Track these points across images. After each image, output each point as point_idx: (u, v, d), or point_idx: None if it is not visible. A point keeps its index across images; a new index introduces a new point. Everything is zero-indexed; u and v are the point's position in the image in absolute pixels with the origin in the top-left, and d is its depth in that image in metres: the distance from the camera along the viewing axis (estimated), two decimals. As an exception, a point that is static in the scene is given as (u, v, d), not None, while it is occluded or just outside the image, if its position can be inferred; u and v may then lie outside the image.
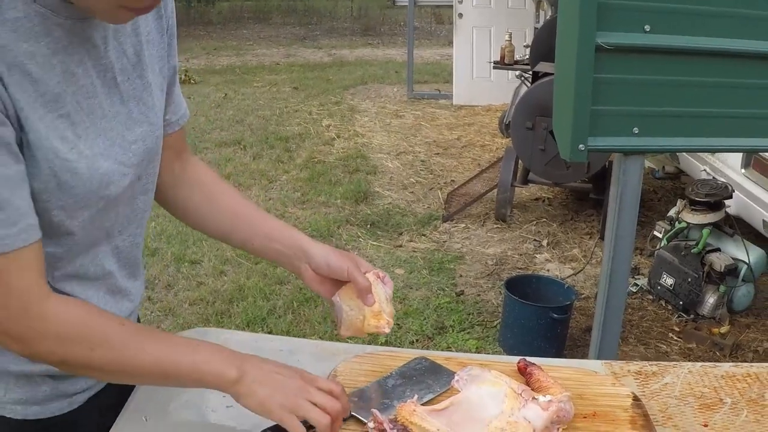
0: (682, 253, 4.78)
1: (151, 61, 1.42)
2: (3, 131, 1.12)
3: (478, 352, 4.31)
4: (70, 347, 1.23)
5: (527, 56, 7.48)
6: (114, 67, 1.32)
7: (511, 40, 7.96)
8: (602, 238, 5.03)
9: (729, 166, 5.24)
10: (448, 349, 4.37)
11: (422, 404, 1.46)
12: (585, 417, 1.53)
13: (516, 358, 1.71)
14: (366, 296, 1.56)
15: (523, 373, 1.65)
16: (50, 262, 1.31)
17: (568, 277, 5.36)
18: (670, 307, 4.93)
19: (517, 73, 7.74)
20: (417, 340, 4.36)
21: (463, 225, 6.32)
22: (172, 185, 1.67)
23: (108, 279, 1.48)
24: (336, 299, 1.60)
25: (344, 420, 1.42)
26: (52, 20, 1.17)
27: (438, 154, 8.47)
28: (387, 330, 1.58)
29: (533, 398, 1.44)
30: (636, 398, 1.62)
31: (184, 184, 1.69)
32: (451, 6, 10.99)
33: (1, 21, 1.12)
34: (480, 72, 10.67)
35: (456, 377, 1.54)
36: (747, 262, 4.65)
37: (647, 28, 2.24)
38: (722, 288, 4.66)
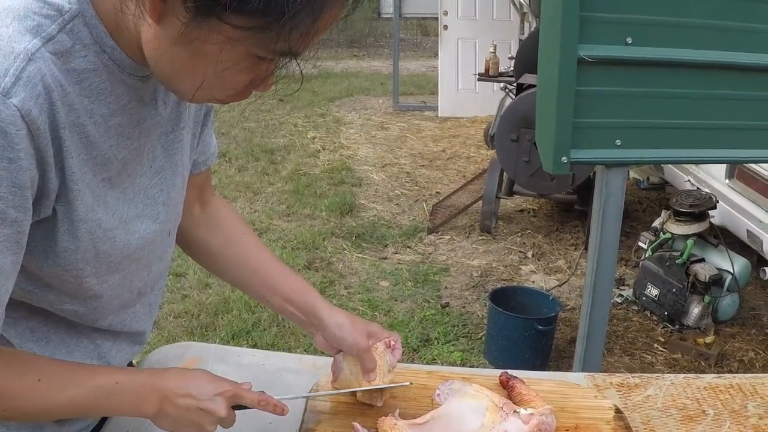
0: (667, 263, 4.79)
1: (189, 107, 1.37)
2: (23, 219, 1.05)
3: (463, 365, 4.31)
4: None
5: (512, 68, 7.49)
6: (163, 123, 1.28)
7: (495, 52, 7.97)
8: (587, 249, 5.04)
9: (713, 177, 5.26)
10: (433, 361, 4.36)
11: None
12: (567, 430, 1.54)
13: (498, 372, 1.71)
14: (368, 374, 1.56)
15: (505, 387, 1.65)
16: (69, 316, 1.29)
17: (553, 288, 5.36)
18: (655, 318, 4.94)
19: (502, 85, 7.75)
20: (402, 353, 4.32)
21: (448, 237, 6.32)
22: (191, 226, 1.61)
23: (134, 334, 1.47)
24: (339, 358, 1.61)
25: None
26: (116, 75, 1.12)
27: (423, 165, 8.47)
28: (379, 404, 1.59)
29: (514, 411, 1.44)
30: (618, 410, 1.62)
31: (202, 226, 1.64)
32: (437, 18, 11.01)
33: (67, 70, 1.05)
34: (465, 84, 10.67)
35: (437, 391, 1.54)
36: (731, 272, 4.66)
37: (629, 40, 2.25)
38: (707, 298, 4.67)
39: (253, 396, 1.37)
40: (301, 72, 1.09)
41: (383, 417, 1.43)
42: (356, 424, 1.41)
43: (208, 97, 1.12)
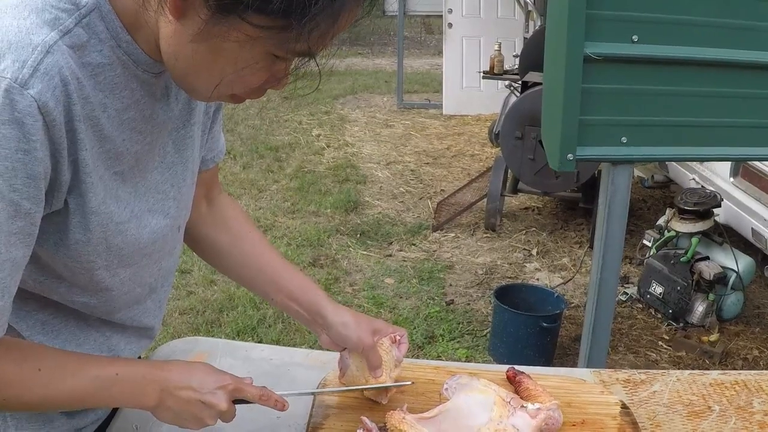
0: (672, 261, 4.79)
1: (200, 103, 1.38)
2: (36, 211, 1.06)
3: (468, 361, 4.31)
4: None
5: (516, 66, 7.49)
6: (174, 119, 1.29)
7: (500, 50, 7.96)
8: (592, 247, 5.04)
9: (718, 175, 5.26)
10: (438, 358, 4.37)
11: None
12: (573, 425, 1.54)
13: (505, 367, 1.72)
14: (374, 371, 1.57)
15: (512, 382, 1.66)
16: (80, 308, 1.30)
17: (558, 286, 5.37)
18: (659, 316, 4.94)
19: (507, 82, 7.75)
20: (408, 348, 4.31)
21: (453, 234, 6.33)
22: (198, 223, 1.62)
23: (144, 329, 1.48)
24: (345, 355, 1.61)
25: None
26: (131, 70, 1.13)
27: (428, 163, 8.47)
28: (384, 401, 1.60)
29: (522, 406, 1.44)
30: (624, 406, 1.63)
31: (209, 223, 1.65)
32: (441, 16, 11.00)
33: (83, 63, 1.06)
34: (470, 82, 10.66)
35: (445, 386, 1.55)
36: (736, 270, 4.66)
37: (635, 38, 2.26)
38: (711, 296, 4.68)
39: (255, 390, 1.37)
40: (320, 71, 1.10)
41: (392, 411, 1.44)
42: (365, 419, 1.42)
43: (225, 95, 1.13)
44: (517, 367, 1.70)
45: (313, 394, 1.61)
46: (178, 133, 1.33)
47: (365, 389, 1.58)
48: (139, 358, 1.67)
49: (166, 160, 1.31)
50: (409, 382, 1.60)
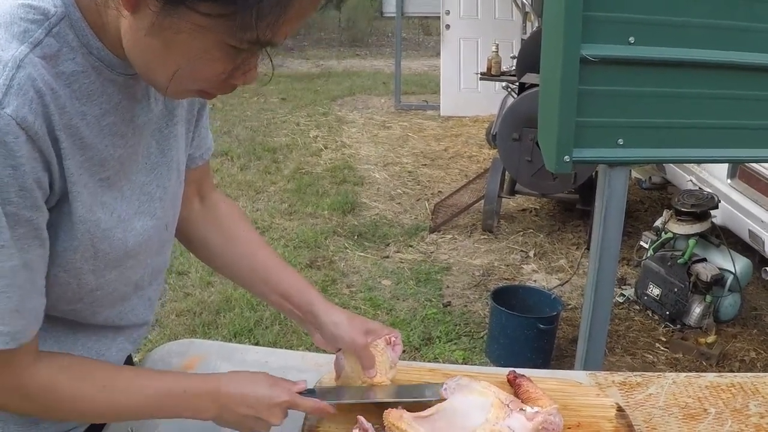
0: (669, 263, 4.79)
1: (182, 101, 1.38)
2: (37, 216, 1.07)
3: (465, 363, 4.30)
4: (50, 413, 1.26)
5: (514, 67, 7.49)
6: (155, 119, 1.29)
7: (497, 52, 7.97)
8: (589, 248, 5.03)
9: (715, 177, 5.26)
10: (435, 360, 4.36)
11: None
12: (569, 428, 1.54)
13: (506, 370, 1.71)
14: (368, 371, 1.58)
15: (513, 385, 1.66)
16: (67, 315, 1.31)
17: (555, 287, 5.36)
18: (656, 318, 4.94)
19: (504, 84, 7.75)
20: (404, 351, 4.29)
21: (450, 236, 6.32)
22: (190, 221, 1.62)
23: (132, 328, 1.48)
24: (340, 356, 1.62)
25: None
26: (105, 75, 1.12)
27: (425, 165, 8.47)
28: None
29: (520, 409, 1.44)
30: (620, 409, 1.62)
31: (202, 221, 1.65)
32: (439, 17, 11.01)
33: (57, 73, 1.06)
34: (467, 83, 10.68)
35: (444, 386, 1.55)
36: (733, 271, 4.66)
37: (632, 40, 2.25)
38: (708, 298, 4.68)
39: (308, 404, 1.43)
40: (272, 62, 1.10)
41: (390, 409, 1.45)
42: (361, 418, 1.42)
43: (184, 89, 1.12)
44: (517, 370, 1.70)
45: (358, 402, 1.59)
46: (161, 133, 1.32)
47: (410, 402, 1.56)
48: (130, 359, 1.67)
49: (150, 161, 1.31)
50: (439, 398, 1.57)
